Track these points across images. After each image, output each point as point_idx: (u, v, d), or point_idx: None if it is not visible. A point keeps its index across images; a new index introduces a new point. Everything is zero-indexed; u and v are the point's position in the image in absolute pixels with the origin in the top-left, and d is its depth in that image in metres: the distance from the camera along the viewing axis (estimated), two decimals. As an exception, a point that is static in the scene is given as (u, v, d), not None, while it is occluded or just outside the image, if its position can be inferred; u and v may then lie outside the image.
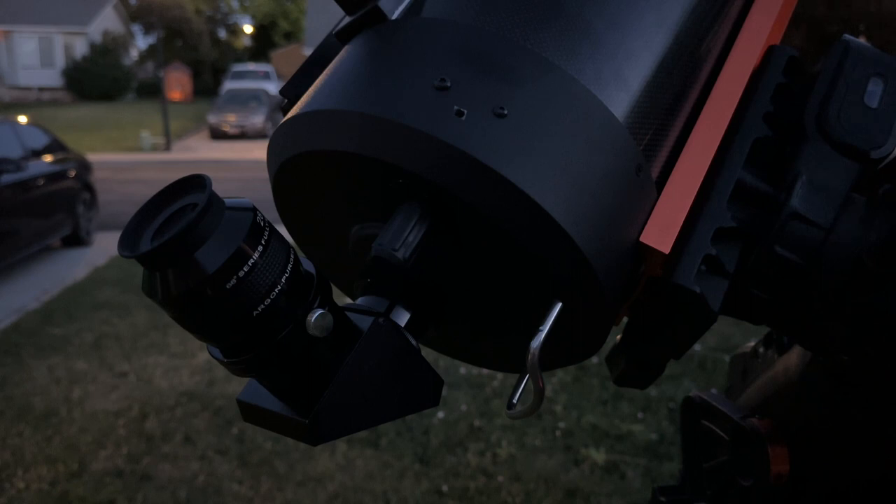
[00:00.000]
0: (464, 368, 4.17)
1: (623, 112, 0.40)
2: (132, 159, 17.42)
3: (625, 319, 0.46)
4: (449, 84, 0.37)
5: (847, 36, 0.45)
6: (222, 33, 42.93)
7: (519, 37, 0.39)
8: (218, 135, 22.36)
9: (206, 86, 35.04)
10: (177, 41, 37.24)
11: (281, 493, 3.15)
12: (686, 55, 0.44)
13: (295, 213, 0.48)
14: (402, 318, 0.40)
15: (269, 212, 0.42)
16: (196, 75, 35.46)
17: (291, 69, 0.50)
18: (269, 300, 0.35)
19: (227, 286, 0.34)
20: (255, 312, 0.35)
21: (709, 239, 0.40)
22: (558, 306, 0.38)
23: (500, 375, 4.10)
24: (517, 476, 3.22)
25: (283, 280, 0.35)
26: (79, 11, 32.35)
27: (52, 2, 31.83)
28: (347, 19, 0.44)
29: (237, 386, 3.85)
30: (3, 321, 5.44)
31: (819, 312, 0.43)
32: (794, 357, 0.55)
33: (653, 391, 3.83)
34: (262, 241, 0.35)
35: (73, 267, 7.09)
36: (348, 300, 0.43)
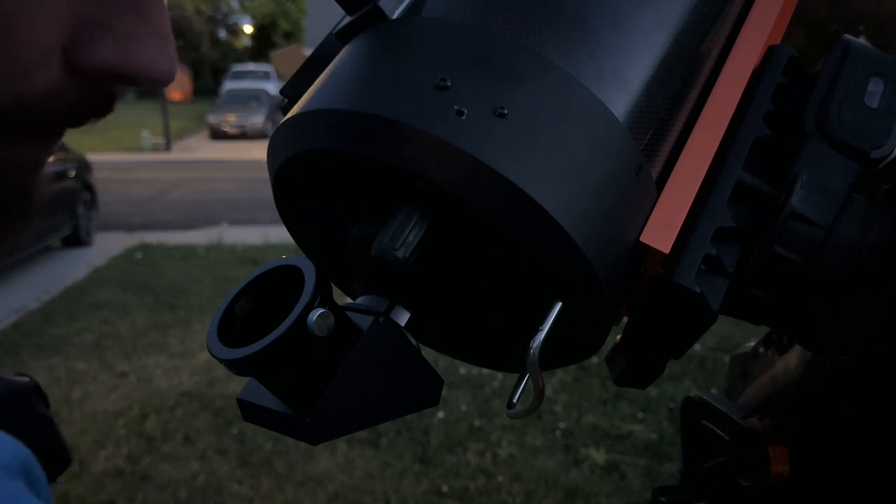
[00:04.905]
0: (464, 368, 4.17)
1: (623, 112, 0.40)
2: (132, 159, 17.41)
3: (625, 319, 0.46)
4: (449, 83, 0.37)
5: (847, 36, 0.45)
6: (222, 33, 42.93)
7: (519, 36, 0.39)
8: (218, 135, 22.36)
9: (206, 86, 35.04)
10: (177, 41, 37.05)
11: (281, 493, 3.15)
12: (686, 55, 0.44)
13: (295, 213, 0.48)
14: (403, 317, 0.40)
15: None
16: (196, 75, 35.47)
17: (291, 69, 0.50)
18: None
19: None
20: None
21: (709, 239, 0.40)
22: (558, 306, 0.38)
23: (500, 375, 4.10)
24: (517, 476, 3.22)
25: None
26: (79, 11, 32.27)
27: (52, 2, 31.75)
28: (347, 19, 0.44)
29: (237, 386, 3.85)
30: (3, 321, 5.44)
31: (819, 312, 0.43)
32: (794, 357, 0.55)
33: (653, 391, 3.83)
34: None
35: (73, 267, 7.08)
36: (348, 300, 0.43)
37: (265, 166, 0.45)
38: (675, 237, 0.40)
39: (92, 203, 8.47)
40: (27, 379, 0.73)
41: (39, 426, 0.70)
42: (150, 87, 0.31)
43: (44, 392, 0.69)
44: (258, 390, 0.39)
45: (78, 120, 0.31)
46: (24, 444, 0.51)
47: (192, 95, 33.15)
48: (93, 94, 0.31)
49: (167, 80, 0.31)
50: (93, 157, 9.96)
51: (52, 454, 0.71)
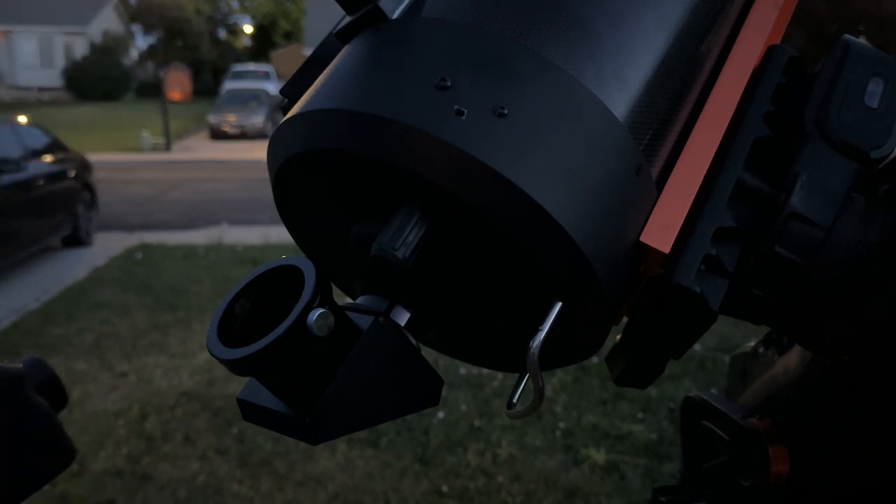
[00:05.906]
0: (464, 368, 4.17)
1: (623, 112, 0.40)
2: (132, 159, 17.42)
3: (625, 319, 0.46)
4: (449, 83, 0.37)
5: (847, 36, 0.45)
6: (222, 33, 42.93)
7: (520, 36, 0.39)
8: (218, 135, 22.37)
9: (206, 86, 35.01)
10: (177, 41, 37.24)
11: (281, 493, 3.15)
12: (686, 55, 0.44)
13: (295, 213, 0.48)
14: (403, 317, 0.40)
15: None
16: (196, 75, 35.44)
17: (291, 69, 0.50)
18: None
19: None
20: None
21: (709, 239, 0.40)
22: (558, 306, 0.38)
23: (500, 375, 4.10)
24: (517, 476, 3.23)
25: None
26: (79, 11, 32.34)
27: (52, 2, 31.81)
28: (347, 19, 0.44)
29: (237, 386, 3.85)
30: (3, 321, 5.44)
31: (819, 312, 0.42)
32: (794, 357, 0.55)
33: (653, 391, 3.83)
34: None
35: (73, 267, 7.09)
36: (348, 300, 0.43)
37: (265, 166, 0.45)
38: (675, 237, 0.40)
39: (92, 203, 8.48)
40: (20, 366, 0.61)
41: (30, 417, 0.62)
42: None
43: (56, 379, 0.59)
44: (258, 390, 0.39)
45: None
46: (9, 438, 0.47)
47: (192, 95, 33.12)
48: None
49: None
50: (93, 157, 9.97)
51: (48, 447, 0.65)
